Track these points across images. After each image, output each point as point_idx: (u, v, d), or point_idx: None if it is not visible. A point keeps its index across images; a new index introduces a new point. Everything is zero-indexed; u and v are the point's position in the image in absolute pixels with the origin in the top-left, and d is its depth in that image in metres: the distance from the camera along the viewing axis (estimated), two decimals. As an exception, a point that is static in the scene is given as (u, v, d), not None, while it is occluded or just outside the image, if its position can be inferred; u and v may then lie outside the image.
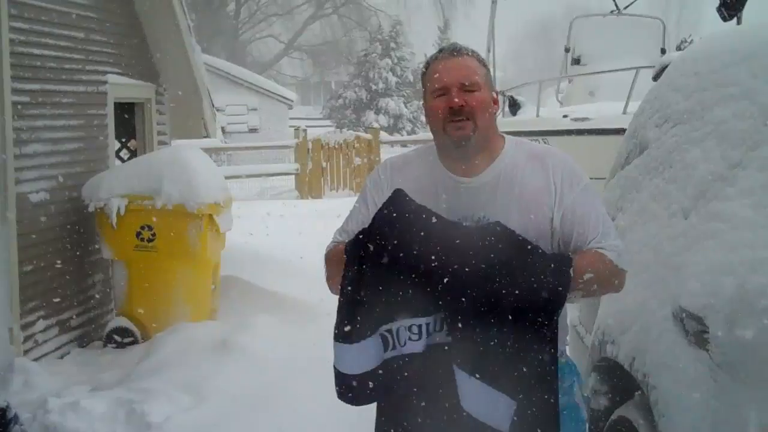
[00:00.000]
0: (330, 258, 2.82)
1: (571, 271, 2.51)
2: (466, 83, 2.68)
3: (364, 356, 2.61)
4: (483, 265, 2.47)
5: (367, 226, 2.65)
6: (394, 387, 2.65)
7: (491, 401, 2.49)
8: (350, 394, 2.68)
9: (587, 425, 2.96)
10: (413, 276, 2.53)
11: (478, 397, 2.50)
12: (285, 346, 6.19)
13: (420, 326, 2.58)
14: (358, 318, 2.58)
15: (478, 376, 2.49)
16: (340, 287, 2.63)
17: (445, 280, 2.49)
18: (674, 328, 3.08)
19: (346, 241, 2.75)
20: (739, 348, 2.73)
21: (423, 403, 2.64)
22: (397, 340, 2.60)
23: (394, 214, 2.57)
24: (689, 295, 3.01)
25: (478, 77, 2.71)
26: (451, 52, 2.75)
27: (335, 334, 2.63)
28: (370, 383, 2.63)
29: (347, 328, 2.59)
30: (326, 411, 4.96)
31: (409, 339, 2.59)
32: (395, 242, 2.54)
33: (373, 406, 2.90)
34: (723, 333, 2.78)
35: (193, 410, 5.27)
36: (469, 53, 2.76)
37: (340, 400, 2.74)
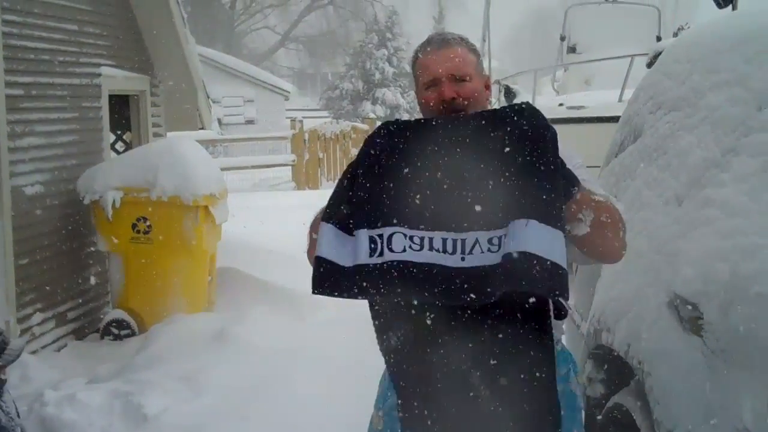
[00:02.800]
0: (313, 228, 2.68)
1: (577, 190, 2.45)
2: (457, 74, 2.66)
3: (349, 247, 2.46)
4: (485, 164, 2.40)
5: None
6: (375, 294, 2.46)
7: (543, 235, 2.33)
8: (323, 283, 2.48)
9: (583, 413, 2.96)
10: (412, 185, 2.44)
11: (535, 235, 2.33)
12: (282, 337, 6.19)
13: (422, 238, 2.43)
14: (351, 207, 2.48)
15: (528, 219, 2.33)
16: (339, 178, 2.56)
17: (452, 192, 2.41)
18: (669, 314, 3.08)
19: None
20: (734, 334, 2.73)
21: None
22: (388, 245, 2.45)
23: (390, 133, 2.52)
24: (683, 281, 3.01)
25: (469, 66, 2.68)
26: (439, 43, 2.71)
27: (327, 214, 2.52)
28: (344, 278, 2.45)
29: (338, 211, 2.50)
30: (323, 401, 4.97)
31: (409, 247, 2.43)
32: (393, 152, 2.48)
33: (371, 394, 2.90)
34: (717, 319, 2.78)
35: (189, 402, 5.27)
36: (459, 42, 2.72)
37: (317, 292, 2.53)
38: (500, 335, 2.45)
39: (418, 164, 2.47)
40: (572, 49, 13.68)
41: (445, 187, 2.44)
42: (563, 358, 2.81)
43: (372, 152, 2.52)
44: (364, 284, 2.44)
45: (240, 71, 32.05)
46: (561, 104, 10.82)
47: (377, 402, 2.88)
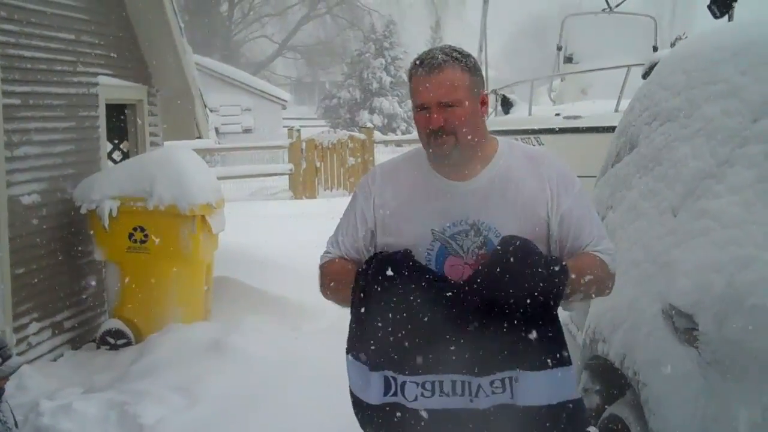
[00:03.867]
0: (325, 274, 2.86)
1: (569, 276, 2.57)
2: (445, 101, 2.64)
3: (366, 383, 2.66)
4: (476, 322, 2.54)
5: (355, 241, 2.81)
6: None
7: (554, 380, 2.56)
8: (363, 422, 2.73)
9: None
10: (419, 331, 2.56)
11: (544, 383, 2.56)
12: (278, 346, 6.18)
13: (433, 383, 2.60)
14: (367, 345, 2.63)
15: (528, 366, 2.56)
16: (351, 302, 2.67)
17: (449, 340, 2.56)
18: (664, 325, 3.08)
19: (337, 254, 2.84)
20: (729, 345, 2.73)
21: None
22: (401, 391, 2.62)
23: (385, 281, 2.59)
24: (679, 292, 3.02)
25: (459, 91, 2.64)
26: (429, 66, 2.65)
27: (349, 347, 2.71)
28: (374, 417, 2.67)
29: (360, 346, 2.66)
30: (319, 411, 4.96)
31: (421, 395, 2.60)
32: (395, 299, 2.57)
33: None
34: (712, 330, 2.79)
35: (185, 411, 5.25)
36: (450, 63, 2.65)
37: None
38: None
39: (420, 314, 2.55)
40: (569, 59, 13.69)
41: (449, 333, 2.55)
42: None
43: (380, 290, 2.59)
44: (382, 425, 2.65)
45: (237, 80, 32.05)
46: (557, 114, 10.83)
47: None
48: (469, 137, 2.68)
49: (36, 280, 6.68)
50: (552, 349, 2.56)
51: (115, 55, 8.18)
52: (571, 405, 2.57)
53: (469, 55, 2.71)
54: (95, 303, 7.67)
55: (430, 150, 2.70)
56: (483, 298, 2.50)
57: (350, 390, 2.72)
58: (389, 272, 2.57)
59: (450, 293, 2.55)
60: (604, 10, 14.09)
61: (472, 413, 2.58)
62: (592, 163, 5.37)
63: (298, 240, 9.91)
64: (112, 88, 7.99)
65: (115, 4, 8.30)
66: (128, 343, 7.10)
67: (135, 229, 7.09)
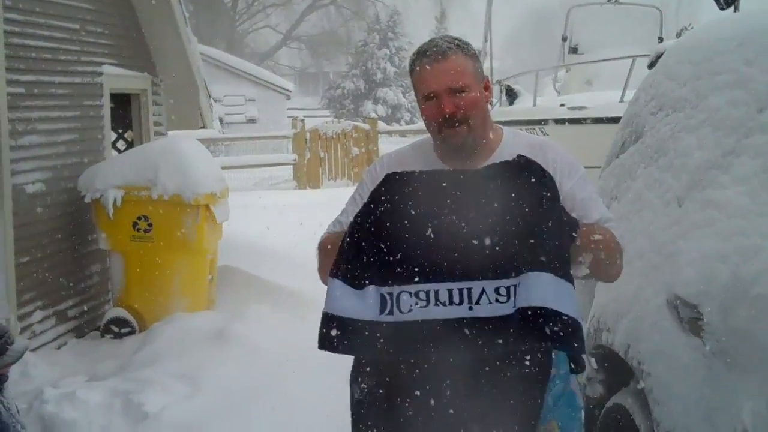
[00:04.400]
0: (322, 247, 2.80)
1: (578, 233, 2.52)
2: (455, 87, 2.65)
3: (358, 302, 2.50)
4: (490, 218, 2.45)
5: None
6: (384, 354, 2.51)
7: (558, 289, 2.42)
8: (332, 340, 2.53)
9: (582, 412, 2.96)
10: (417, 239, 2.48)
11: (552, 290, 2.41)
12: (282, 336, 6.19)
13: (428, 292, 2.47)
14: (359, 263, 2.52)
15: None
16: (346, 232, 2.59)
17: (452, 241, 2.45)
18: (669, 315, 3.09)
19: (338, 231, 2.77)
20: (733, 335, 2.74)
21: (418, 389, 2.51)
22: (397, 305, 2.50)
23: (393, 188, 2.55)
24: (684, 282, 3.02)
25: (466, 76, 2.67)
26: (435, 54, 2.67)
27: (334, 269, 2.55)
28: (354, 335, 2.50)
29: (348, 266, 2.52)
30: (323, 400, 4.97)
31: (416, 305, 2.47)
32: (397, 207, 2.51)
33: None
34: (717, 320, 2.79)
35: (189, 400, 5.27)
36: (454, 50, 2.68)
37: (320, 349, 2.59)
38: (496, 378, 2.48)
39: (422, 219, 2.49)
40: (574, 50, 13.65)
41: (449, 237, 2.47)
42: (562, 358, 2.81)
43: (378, 206, 2.54)
44: (377, 344, 2.48)
45: (241, 70, 32.03)
46: (562, 105, 10.80)
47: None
48: (480, 124, 2.70)
49: (40, 269, 6.69)
50: (557, 258, 2.42)
51: (120, 45, 8.18)
52: (568, 319, 2.38)
53: (468, 43, 2.74)
54: (99, 292, 7.69)
55: (443, 140, 2.70)
56: (488, 190, 2.47)
57: (325, 313, 2.54)
58: (393, 180, 2.55)
59: (456, 182, 2.50)
60: (609, 0, 14.05)
61: (470, 323, 2.44)
62: (596, 153, 5.36)
63: (302, 230, 9.89)
64: (116, 77, 7.99)
65: (119, -7, 8.30)
66: (132, 332, 7.12)
67: (139, 219, 7.09)
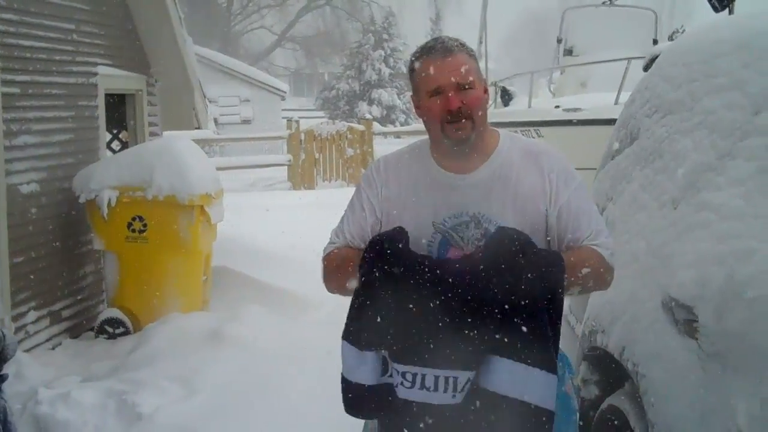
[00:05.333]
0: (328, 262, 2.83)
1: (564, 272, 2.52)
2: (462, 83, 2.66)
3: (364, 366, 2.57)
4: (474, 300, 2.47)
5: (361, 229, 2.78)
6: (388, 418, 2.62)
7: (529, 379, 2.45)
8: (353, 405, 2.65)
9: (578, 415, 2.96)
10: (406, 320, 2.49)
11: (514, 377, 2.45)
12: (276, 336, 6.18)
13: (415, 375, 2.50)
14: (361, 324, 2.56)
15: (514, 358, 2.44)
16: (355, 288, 2.62)
17: (440, 324, 2.47)
18: (664, 317, 3.09)
19: (342, 244, 2.81)
20: (728, 337, 2.74)
21: None
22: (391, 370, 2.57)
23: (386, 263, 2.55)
24: (679, 284, 3.02)
25: (472, 74, 2.68)
26: (442, 50, 2.69)
27: (346, 333, 2.61)
28: (369, 399, 2.59)
29: (351, 328, 2.58)
30: (318, 401, 4.96)
31: (401, 384, 2.52)
32: (387, 283, 2.53)
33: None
34: (712, 322, 2.79)
35: (183, 401, 5.26)
36: (459, 48, 2.70)
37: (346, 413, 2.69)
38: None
39: (410, 302, 2.49)
40: (569, 52, 13.69)
41: (438, 325, 2.47)
42: (558, 361, 2.82)
43: (375, 272, 2.54)
44: (383, 404, 2.58)
45: (236, 71, 32.01)
46: (557, 106, 10.84)
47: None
48: (482, 122, 2.70)
49: (35, 269, 6.68)
50: (539, 347, 2.45)
51: (115, 45, 8.17)
52: (541, 414, 2.44)
53: (468, 46, 2.77)
54: (94, 292, 7.68)
55: (447, 135, 2.70)
56: (476, 282, 2.45)
57: (342, 377, 2.63)
58: (383, 249, 2.54)
59: (440, 274, 2.49)
60: (604, 2, 14.10)
61: (453, 408, 2.50)
62: (591, 155, 5.38)
63: (297, 230, 9.91)
64: (111, 77, 7.98)
65: (114, -6, 8.29)
66: (126, 333, 7.10)
67: (134, 219, 7.08)
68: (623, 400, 3.41)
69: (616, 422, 3.44)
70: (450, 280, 2.48)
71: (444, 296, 2.47)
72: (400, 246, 2.55)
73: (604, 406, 3.61)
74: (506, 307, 2.43)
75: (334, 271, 2.77)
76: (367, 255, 2.58)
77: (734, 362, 2.73)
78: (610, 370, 3.65)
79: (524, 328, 2.44)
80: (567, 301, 4.74)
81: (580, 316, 4.12)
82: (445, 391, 2.49)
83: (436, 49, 2.70)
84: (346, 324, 2.61)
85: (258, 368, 5.62)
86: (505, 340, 2.44)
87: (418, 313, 2.48)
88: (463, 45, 2.73)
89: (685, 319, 2.93)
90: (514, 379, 2.44)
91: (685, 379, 2.90)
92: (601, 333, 3.62)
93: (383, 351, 2.56)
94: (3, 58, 6.19)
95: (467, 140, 2.69)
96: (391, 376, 2.56)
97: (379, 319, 2.52)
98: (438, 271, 2.50)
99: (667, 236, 3.30)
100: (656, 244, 3.37)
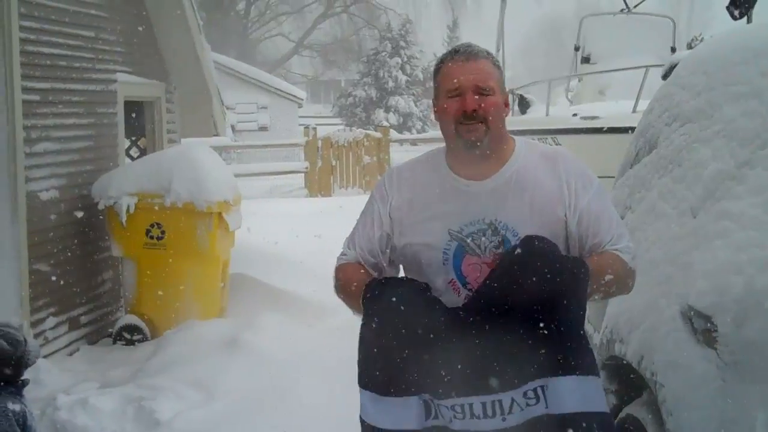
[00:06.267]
0: (338, 276, 2.86)
1: (588, 279, 2.53)
2: (482, 86, 2.68)
3: (404, 413, 2.57)
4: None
5: (370, 242, 2.80)
6: None
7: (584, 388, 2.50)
8: None
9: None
10: (438, 357, 2.52)
11: (572, 390, 2.49)
12: (293, 344, 6.20)
13: (462, 406, 2.54)
14: (395, 372, 2.56)
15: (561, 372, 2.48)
16: (360, 333, 2.62)
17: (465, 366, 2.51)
18: (682, 326, 3.08)
19: (352, 257, 2.84)
20: (747, 347, 2.73)
21: None
22: (440, 413, 2.58)
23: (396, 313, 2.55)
24: (698, 293, 3.01)
25: (493, 80, 2.70)
26: (467, 53, 2.72)
27: (364, 381, 2.61)
28: None
29: (383, 378, 2.57)
30: (334, 408, 4.97)
31: (455, 417, 2.55)
32: (408, 328, 2.54)
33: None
34: (731, 332, 2.78)
35: (201, 407, 5.28)
36: (485, 56, 2.73)
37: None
38: None
39: (442, 335, 2.51)
40: (586, 59, 13.64)
41: (475, 353, 2.51)
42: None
43: (394, 316, 2.54)
44: None
45: (254, 78, 32.09)
46: (575, 114, 10.79)
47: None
48: (497, 129, 2.71)
49: (53, 276, 6.72)
50: (579, 354, 2.50)
51: (134, 53, 8.22)
52: (601, 418, 2.50)
53: (496, 57, 2.80)
54: (112, 298, 7.71)
55: (459, 136, 2.70)
56: (500, 299, 2.47)
57: (369, 427, 2.61)
58: (395, 299, 2.55)
59: (461, 311, 2.53)
60: (622, 10, 14.04)
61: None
62: (609, 163, 5.36)
63: (314, 238, 9.91)
64: (130, 85, 8.02)
65: (134, 2, 8.34)
66: (144, 339, 7.13)
67: (152, 226, 7.12)
68: (642, 410, 3.40)
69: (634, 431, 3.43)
70: (470, 319, 2.51)
71: (470, 331, 2.50)
72: (418, 292, 2.58)
73: (622, 415, 3.60)
74: (539, 323, 2.46)
75: (341, 289, 2.83)
76: (369, 305, 2.60)
77: (753, 371, 2.72)
78: (628, 380, 3.63)
79: (562, 340, 2.47)
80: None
81: (598, 325, 4.11)
82: (493, 416, 2.53)
83: (461, 53, 2.74)
84: (365, 371, 2.61)
85: (274, 375, 5.63)
86: (554, 358, 2.47)
87: (449, 350, 2.50)
88: (490, 54, 2.76)
89: (703, 329, 2.92)
90: (575, 394, 2.48)
91: (704, 389, 2.89)
92: (619, 342, 3.61)
93: (424, 394, 2.56)
94: (23, 66, 6.23)
95: (479, 143, 2.69)
96: (436, 417, 2.57)
97: (413, 363, 2.53)
98: (455, 313, 2.54)
99: (686, 245, 3.29)
100: (675, 253, 3.36)
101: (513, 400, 2.51)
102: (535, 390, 2.50)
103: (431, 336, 2.51)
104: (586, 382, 2.49)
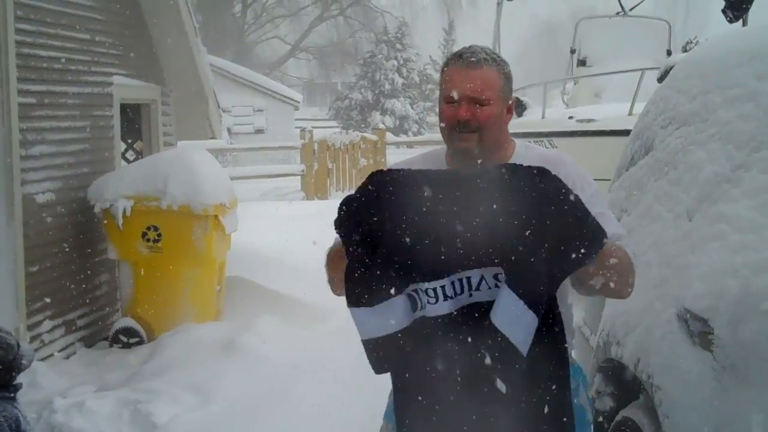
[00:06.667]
0: (331, 258, 2.78)
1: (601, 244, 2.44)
2: (477, 97, 2.65)
3: (392, 316, 2.50)
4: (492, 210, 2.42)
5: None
6: (416, 352, 2.53)
7: (518, 314, 2.40)
8: (382, 362, 2.56)
9: (592, 427, 2.96)
10: (419, 238, 2.46)
11: (507, 308, 2.41)
12: (290, 347, 6.19)
13: (435, 289, 2.49)
14: (375, 280, 2.49)
15: (516, 291, 2.39)
16: (345, 254, 2.56)
17: (458, 241, 2.44)
18: (678, 329, 3.08)
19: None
20: (743, 349, 2.73)
21: (444, 371, 2.52)
22: (421, 301, 2.52)
23: (386, 186, 2.52)
24: (694, 296, 3.02)
25: (491, 90, 2.66)
26: (468, 60, 2.67)
27: (350, 300, 2.53)
28: (395, 347, 2.52)
29: (361, 290, 2.51)
30: (331, 411, 4.97)
31: (428, 303, 2.50)
32: (393, 207, 2.49)
33: (380, 405, 2.89)
34: (727, 334, 2.79)
35: (198, 411, 5.28)
36: (489, 62, 2.67)
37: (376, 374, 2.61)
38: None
39: (421, 216, 2.47)
40: (582, 62, 13.66)
41: (450, 232, 2.45)
42: (573, 372, 2.81)
43: (371, 209, 2.51)
44: (413, 342, 2.52)
45: (250, 81, 32.08)
46: (571, 117, 10.81)
47: (387, 413, 2.88)
48: (492, 138, 2.69)
49: (49, 278, 6.72)
50: (541, 289, 2.40)
51: (130, 56, 8.22)
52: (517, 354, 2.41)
53: (506, 62, 2.73)
54: (108, 301, 7.71)
55: (452, 143, 2.70)
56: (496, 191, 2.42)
57: (364, 342, 2.55)
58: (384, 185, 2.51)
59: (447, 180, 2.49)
60: (618, 13, 14.07)
61: (468, 313, 2.49)
62: (605, 166, 5.38)
63: (310, 240, 9.86)
64: (126, 88, 8.02)
65: (130, 5, 8.34)
66: (141, 342, 7.13)
67: (148, 229, 7.11)
68: (638, 412, 3.40)
69: (630, 434, 3.44)
70: (455, 187, 2.47)
71: (452, 202, 2.45)
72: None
73: (618, 418, 3.60)
74: (526, 230, 2.39)
75: (336, 264, 2.70)
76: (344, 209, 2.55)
77: (749, 374, 2.73)
78: (624, 382, 3.64)
79: (535, 263, 2.39)
80: (581, 313, 4.75)
81: (595, 328, 4.12)
82: (462, 293, 2.49)
83: (463, 59, 2.69)
84: (349, 289, 2.53)
85: (271, 378, 5.63)
86: (514, 263, 2.39)
87: (428, 229, 2.46)
88: (495, 60, 2.69)
89: (699, 331, 2.93)
90: (508, 315, 2.40)
91: (700, 391, 2.90)
92: (616, 345, 3.61)
93: (408, 287, 2.51)
94: (19, 69, 6.23)
95: (471, 152, 2.68)
96: (423, 308, 2.51)
97: (393, 255, 2.48)
98: (441, 181, 2.50)
99: (682, 248, 3.30)
100: (671, 256, 3.37)
101: (482, 276, 2.48)
102: (496, 276, 2.47)
103: (412, 213, 2.47)
104: (524, 316, 2.40)
